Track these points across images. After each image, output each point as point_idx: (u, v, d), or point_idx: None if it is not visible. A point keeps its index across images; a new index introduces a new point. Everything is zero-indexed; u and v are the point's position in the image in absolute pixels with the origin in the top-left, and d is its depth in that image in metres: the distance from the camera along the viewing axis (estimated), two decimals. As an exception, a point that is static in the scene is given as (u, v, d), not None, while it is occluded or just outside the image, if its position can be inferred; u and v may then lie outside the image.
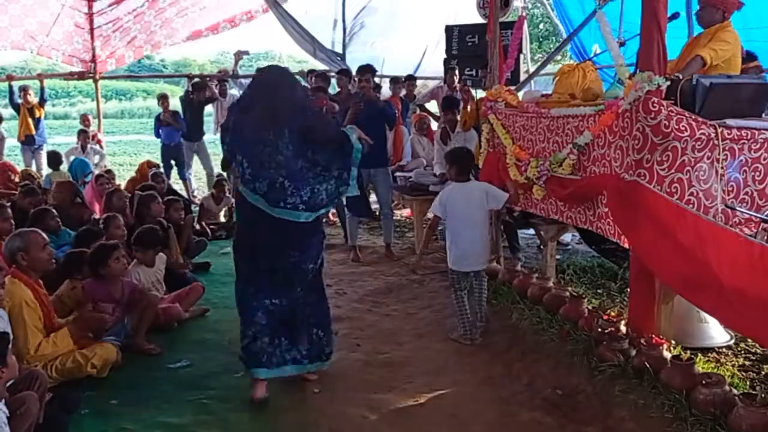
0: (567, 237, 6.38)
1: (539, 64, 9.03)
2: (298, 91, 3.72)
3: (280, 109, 3.53)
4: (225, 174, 8.47)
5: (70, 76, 11.11)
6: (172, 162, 9.61)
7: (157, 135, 9.83)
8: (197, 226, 7.16)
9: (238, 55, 10.39)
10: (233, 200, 8.33)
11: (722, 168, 3.45)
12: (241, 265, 3.70)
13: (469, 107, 6.32)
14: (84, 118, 10.64)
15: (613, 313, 4.07)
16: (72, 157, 8.97)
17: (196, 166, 10.21)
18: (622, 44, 5.06)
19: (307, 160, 3.58)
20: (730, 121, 3.45)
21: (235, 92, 10.37)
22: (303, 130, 3.55)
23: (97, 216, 5.67)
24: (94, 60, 10.85)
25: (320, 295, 3.84)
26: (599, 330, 3.72)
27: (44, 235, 3.84)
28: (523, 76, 8.39)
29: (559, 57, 11.36)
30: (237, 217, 4.12)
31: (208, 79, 10.56)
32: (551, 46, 18.43)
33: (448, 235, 4.49)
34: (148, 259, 4.85)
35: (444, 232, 4.74)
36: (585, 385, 3.47)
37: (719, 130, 3.38)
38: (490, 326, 4.47)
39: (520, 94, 5.39)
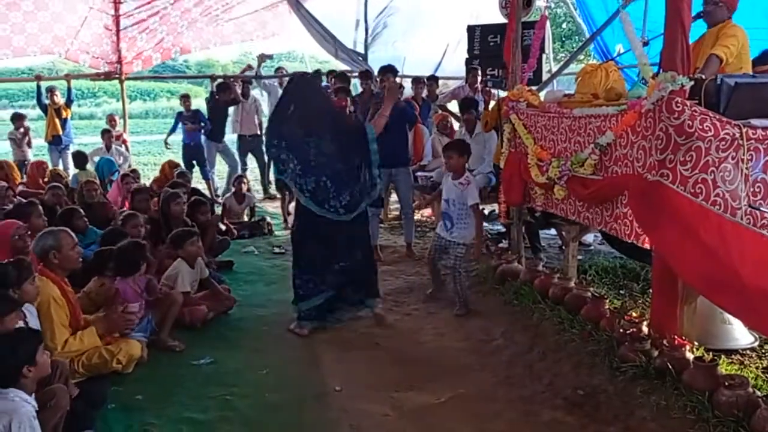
0: (589, 237, 6.34)
1: (562, 63, 8.98)
2: (325, 96, 4.53)
3: (315, 118, 4.33)
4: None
5: (96, 76, 11.23)
6: (194, 162, 9.71)
7: (174, 130, 10.15)
8: (222, 226, 7.22)
9: (262, 57, 10.45)
10: (255, 199, 8.45)
11: (747, 168, 3.41)
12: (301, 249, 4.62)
13: (490, 107, 6.31)
14: (110, 118, 10.81)
15: (635, 314, 4.05)
16: (97, 158, 9.12)
17: (219, 166, 10.26)
18: (645, 44, 5.04)
19: (345, 162, 4.38)
20: (755, 121, 3.41)
21: (257, 93, 10.44)
22: (337, 129, 4.38)
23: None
24: (120, 61, 10.98)
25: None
26: (621, 330, 3.71)
27: (74, 235, 3.91)
28: (545, 76, 8.34)
29: (581, 56, 11.30)
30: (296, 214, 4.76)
31: (231, 80, 10.63)
32: (574, 45, 18.29)
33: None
34: (192, 254, 4.81)
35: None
36: (606, 385, 3.46)
37: (744, 130, 3.32)
38: (512, 326, 4.48)
39: (542, 94, 5.38)
